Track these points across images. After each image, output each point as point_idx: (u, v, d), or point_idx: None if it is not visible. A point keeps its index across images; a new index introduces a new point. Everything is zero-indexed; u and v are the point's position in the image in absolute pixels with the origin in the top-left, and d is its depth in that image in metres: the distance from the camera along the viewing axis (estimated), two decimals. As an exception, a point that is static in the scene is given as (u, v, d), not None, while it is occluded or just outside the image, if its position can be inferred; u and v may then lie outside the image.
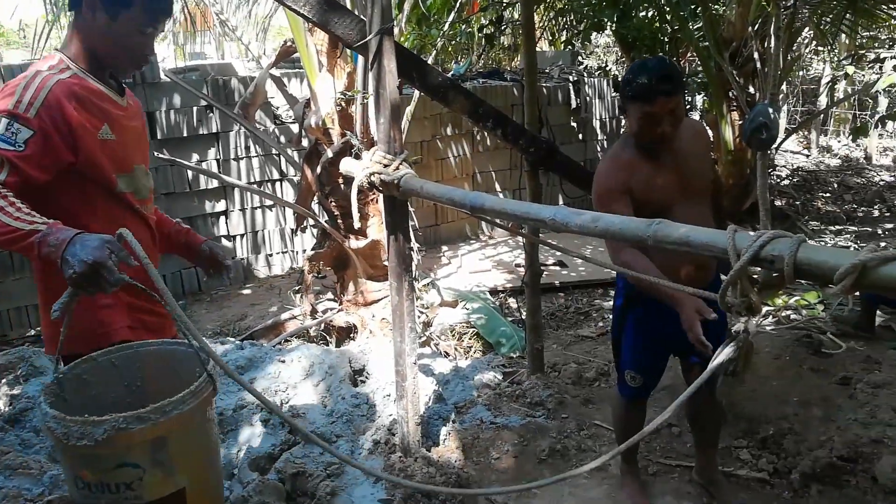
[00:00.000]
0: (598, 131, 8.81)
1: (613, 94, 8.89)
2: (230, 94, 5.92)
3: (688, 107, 10.44)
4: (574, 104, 8.36)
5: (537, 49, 3.98)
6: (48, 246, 1.47)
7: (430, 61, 5.13)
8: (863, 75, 10.65)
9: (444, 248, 7.10)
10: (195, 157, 5.88)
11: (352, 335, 4.18)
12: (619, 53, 10.68)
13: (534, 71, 3.39)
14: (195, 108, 5.82)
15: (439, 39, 6.35)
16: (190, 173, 5.82)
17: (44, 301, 1.84)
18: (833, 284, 1.29)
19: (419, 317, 4.23)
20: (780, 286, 1.45)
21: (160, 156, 4.59)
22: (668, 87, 2.16)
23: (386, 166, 2.30)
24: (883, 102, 12.03)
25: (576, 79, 8.48)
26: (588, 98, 8.52)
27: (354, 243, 4.03)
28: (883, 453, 2.73)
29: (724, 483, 2.76)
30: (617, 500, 2.74)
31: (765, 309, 4.93)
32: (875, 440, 2.81)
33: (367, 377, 3.50)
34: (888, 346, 3.99)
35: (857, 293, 4.36)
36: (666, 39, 7.29)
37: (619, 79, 8.85)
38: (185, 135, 5.81)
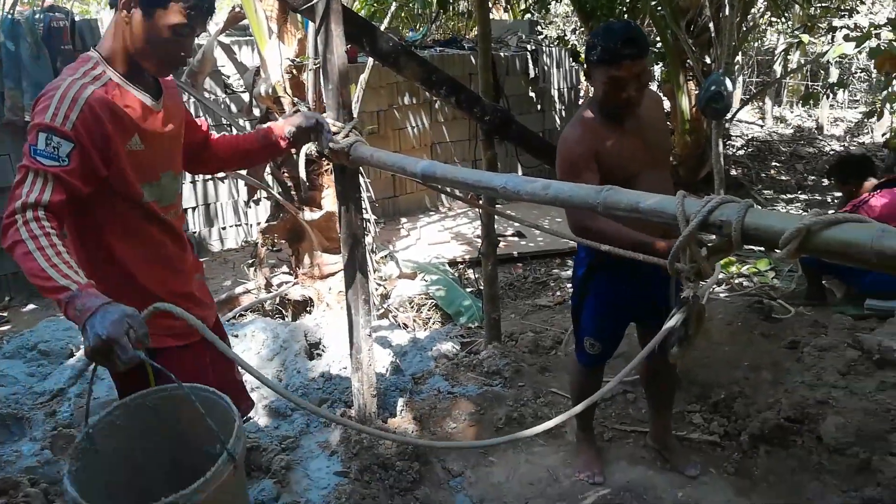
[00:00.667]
0: (557, 101, 8.80)
1: (572, 64, 8.87)
2: (178, 61, 5.70)
3: (645, 77, 10.48)
4: (532, 74, 8.31)
5: (495, 17, 3.91)
6: (74, 309, 1.42)
7: (383, 29, 5.01)
8: (816, 44, 10.82)
9: (403, 219, 7.05)
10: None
11: (308, 309, 4.12)
12: (578, 23, 10.64)
13: (488, 38, 3.34)
14: (142, 77, 5.60)
15: (393, 3, 6.22)
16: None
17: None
18: (779, 249, 1.29)
19: (377, 289, 4.19)
20: (728, 251, 1.46)
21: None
22: (634, 50, 2.12)
23: (335, 134, 2.24)
24: (834, 73, 12.27)
25: (534, 48, 8.42)
26: (546, 68, 8.48)
27: (309, 215, 3.96)
28: (828, 414, 2.81)
29: (678, 447, 2.81)
30: (573, 467, 2.77)
31: (719, 276, 5.03)
32: (820, 401, 2.89)
33: (323, 350, 3.47)
34: (833, 310, 4.11)
35: (801, 270, 4.48)
36: (624, 9, 7.27)
37: (578, 48, 8.83)
38: (131, 104, 5.59)
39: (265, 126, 2.22)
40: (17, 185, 1.53)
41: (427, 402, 3.10)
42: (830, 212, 1.30)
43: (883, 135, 9.34)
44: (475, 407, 3.10)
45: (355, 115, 3.89)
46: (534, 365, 3.51)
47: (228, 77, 6.15)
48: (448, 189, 2.16)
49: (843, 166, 4.35)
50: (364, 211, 3.95)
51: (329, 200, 3.98)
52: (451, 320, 4.32)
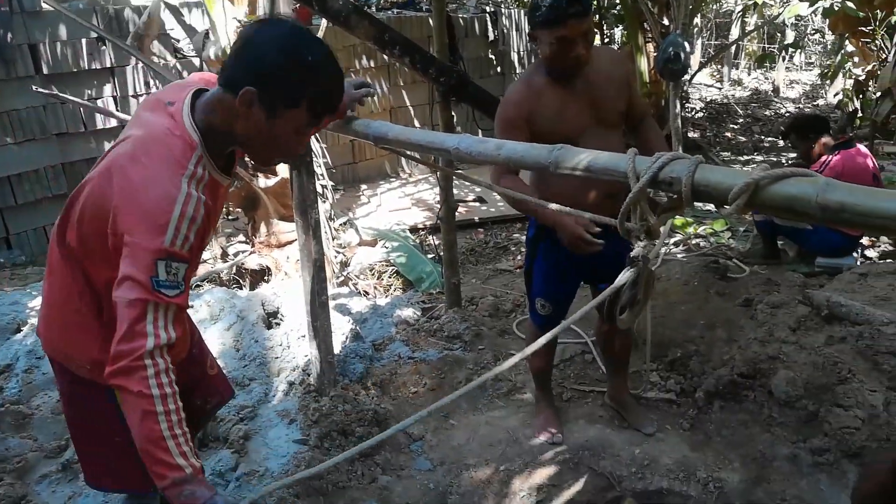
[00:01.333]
0: (517, 64, 8.73)
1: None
2: (123, 24, 5.48)
3: (606, 40, 10.46)
4: (491, 36, 8.22)
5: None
6: (180, 494, 1.31)
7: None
8: (772, 6, 10.90)
9: (363, 186, 6.97)
10: (88, 93, 5.46)
11: (266, 278, 4.06)
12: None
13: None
14: (84, 41, 5.36)
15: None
16: (84, 112, 5.41)
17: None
18: (728, 204, 1.29)
19: (336, 257, 4.14)
20: (678, 209, 1.45)
21: (41, 91, 4.18)
22: (577, 8, 2.10)
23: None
24: (790, 34, 12.40)
25: (493, 10, 8.31)
26: (505, 30, 8.39)
27: (263, 182, 3.87)
28: (778, 369, 2.88)
29: (635, 405, 2.86)
30: (532, 427, 2.80)
31: (676, 237, 5.09)
32: (772, 357, 2.95)
33: (281, 319, 3.42)
34: (786, 268, 4.20)
35: (756, 231, 4.57)
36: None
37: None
38: (74, 70, 5.36)
39: None
40: (136, 321, 1.32)
41: (388, 368, 3.10)
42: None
43: (835, 95, 9.51)
44: (436, 371, 3.10)
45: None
46: (494, 328, 3.52)
47: (178, 41, 5.93)
48: (407, 152, 2.11)
49: (800, 124, 4.39)
50: (320, 177, 3.89)
51: (284, 167, 3.89)
52: (412, 287, 4.31)
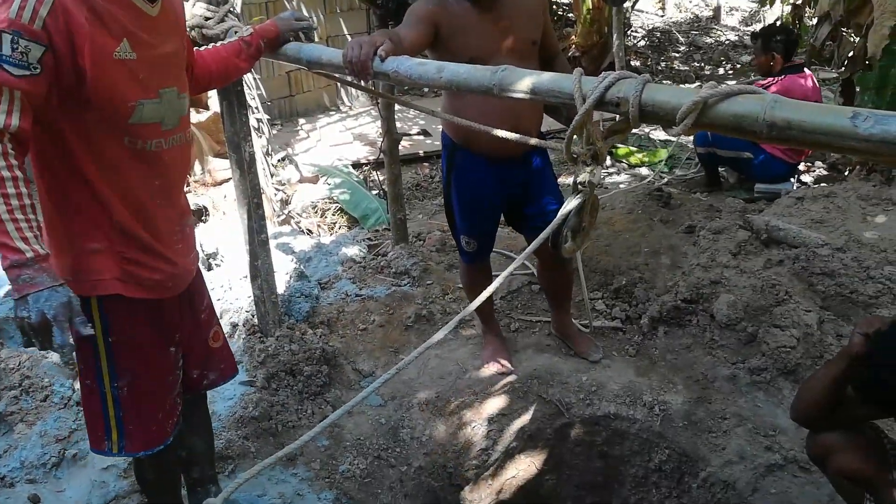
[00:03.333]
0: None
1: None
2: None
3: (548, -34, 10.20)
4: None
5: None
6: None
7: None
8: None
9: (302, 120, 6.73)
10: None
11: (203, 218, 3.91)
12: None
13: (377, -87, 3.07)
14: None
15: None
16: None
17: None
18: (676, 124, 1.25)
19: (276, 194, 4.01)
20: (625, 131, 1.41)
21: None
22: None
23: (208, 19, 2.01)
24: (731, -40, 12.35)
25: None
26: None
27: (195, 116, 3.67)
28: (720, 293, 2.94)
29: (580, 334, 2.89)
30: (481, 359, 2.81)
31: (615, 167, 5.11)
32: (714, 281, 3.01)
33: (221, 260, 3.31)
34: (727, 194, 4.28)
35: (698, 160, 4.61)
36: None
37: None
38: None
39: (248, 30, 1.94)
40: None
41: (335, 307, 3.04)
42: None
43: (776, 20, 9.56)
44: (384, 307, 3.06)
45: (238, 3, 3.57)
46: (441, 263, 3.49)
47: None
48: (346, 78, 1.98)
49: (772, 33, 4.36)
50: (255, 110, 3.72)
51: (215, 99, 3.69)
52: (357, 224, 4.23)
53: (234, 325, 2.81)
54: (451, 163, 2.46)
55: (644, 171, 5.10)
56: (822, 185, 4.33)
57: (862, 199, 3.38)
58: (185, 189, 1.79)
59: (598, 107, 1.32)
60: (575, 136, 1.39)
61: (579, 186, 1.47)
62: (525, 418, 2.65)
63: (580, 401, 2.67)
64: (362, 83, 1.81)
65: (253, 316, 2.77)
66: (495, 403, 2.66)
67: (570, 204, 1.47)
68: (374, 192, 4.54)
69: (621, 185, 4.61)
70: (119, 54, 1.41)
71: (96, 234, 1.50)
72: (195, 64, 1.79)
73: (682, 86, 7.78)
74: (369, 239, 3.88)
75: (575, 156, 1.43)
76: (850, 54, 4.33)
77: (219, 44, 1.92)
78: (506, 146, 1.95)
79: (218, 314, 2.91)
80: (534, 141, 1.63)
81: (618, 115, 1.34)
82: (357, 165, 5.21)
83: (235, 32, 1.96)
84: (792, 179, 4.37)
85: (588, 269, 3.33)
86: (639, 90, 1.27)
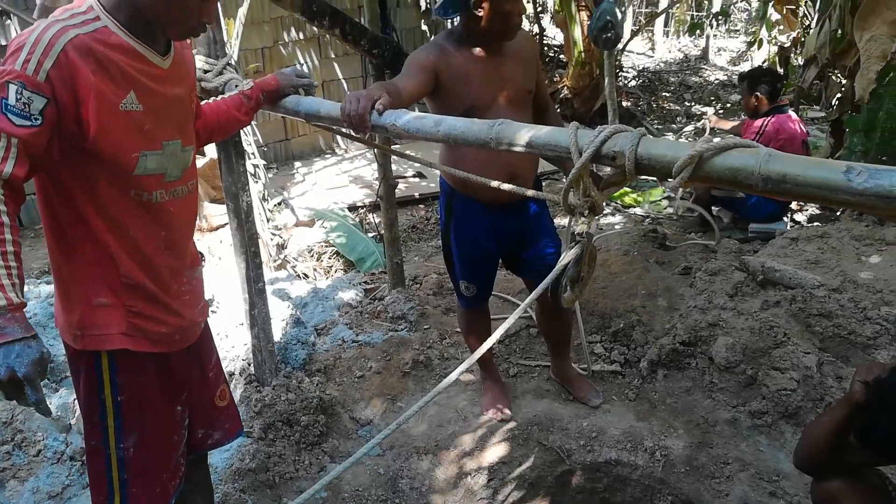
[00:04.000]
0: (452, 36, 8.61)
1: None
2: (30, -3, 5.12)
3: (539, 8, 10.42)
4: (424, 6, 8.06)
5: (378, -57, 3.69)
6: None
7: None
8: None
9: (297, 164, 6.76)
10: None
11: (200, 264, 3.90)
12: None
13: (372, -35, 3.14)
14: (-11, 16, 5.00)
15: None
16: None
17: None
18: (672, 178, 1.27)
19: (272, 239, 4.01)
20: (622, 183, 1.42)
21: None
22: None
23: (207, 72, 2.04)
24: (717, 3, 12.65)
25: (426, -21, 8.15)
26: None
27: (192, 164, 3.69)
28: (718, 335, 2.94)
29: (580, 378, 2.88)
30: (480, 405, 2.78)
31: (609, 208, 5.14)
32: (711, 324, 3.01)
33: (217, 307, 3.29)
34: (722, 235, 4.30)
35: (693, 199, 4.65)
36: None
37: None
38: (-21, 47, 4.99)
39: (248, 83, 1.96)
40: None
41: (331, 354, 3.02)
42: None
43: (763, 62, 9.75)
44: (381, 353, 3.04)
45: (234, 53, 3.62)
46: (438, 307, 3.48)
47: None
48: (342, 130, 2.01)
49: (757, 75, 4.44)
50: (251, 156, 3.74)
51: (212, 147, 3.72)
52: (353, 267, 4.22)
53: (231, 374, 2.78)
54: (449, 209, 2.47)
55: (638, 211, 5.13)
56: (815, 224, 4.36)
57: (855, 239, 3.40)
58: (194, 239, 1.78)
59: (595, 160, 1.34)
60: (572, 188, 1.41)
61: (577, 237, 1.48)
62: (526, 466, 2.61)
63: (581, 447, 2.64)
64: (360, 135, 1.82)
65: (249, 364, 2.75)
66: (496, 451, 2.62)
67: (569, 255, 1.48)
68: (371, 235, 4.54)
69: (616, 227, 4.63)
70: (125, 106, 1.41)
71: (103, 286, 1.49)
72: (199, 117, 1.80)
73: (668, 135, 7.88)
74: (366, 282, 3.87)
75: (572, 207, 1.44)
76: (838, 95, 4.40)
77: (219, 97, 1.94)
78: (504, 192, 1.97)
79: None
80: (530, 192, 1.65)
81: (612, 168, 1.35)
82: (353, 208, 5.23)
83: (236, 86, 1.98)
84: (785, 219, 4.40)
85: (586, 311, 3.32)
86: (634, 144, 1.28)
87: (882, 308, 2.92)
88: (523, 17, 2.22)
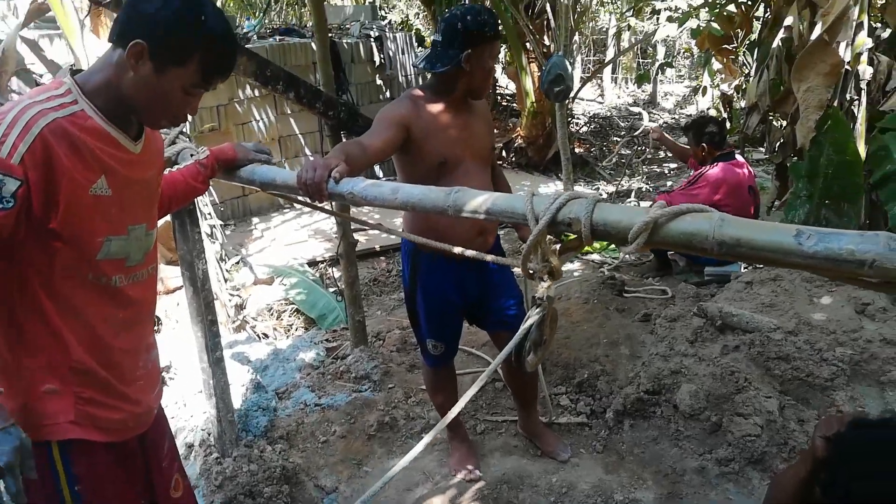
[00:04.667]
0: (405, 88, 8.73)
1: (418, 49, 8.84)
2: (-24, 61, 5.02)
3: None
4: (378, 61, 8.19)
5: (335, 3, 3.75)
6: None
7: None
8: (643, 26, 11.51)
9: (255, 219, 6.70)
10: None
11: (156, 328, 3.79)
12: (420, 6, 10.63)
13: (324, 28, 3.18)
14: (-67, 81, 4.88)
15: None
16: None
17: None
18: (628, 244, 1.28)
19: (230, 300, 3.93)
20: (579, 248, 1.43)
21: None
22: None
23: (158, 143, 2.01)
24: (661, 51, 13.18)
25: (377, 34, 8.29)
26: (392, 54, 8.38)
27: (146, 227, 3.62)
28: (681, 382, 2.96)
29: (547, 432, 2.86)
30: (448, 466, 2.73)
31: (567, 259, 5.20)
32: (674, 371, 3.03)
33: (175, 374, 3.19)
34: (677, 279, 4.37)
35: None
36: (465, -7, 7.32)
37: (423, 32, 8.79)
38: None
39: (203, 151, 1.93)
40: None
41: (293, 419, 2.94)
42: (669, 183, 1.31)
43: (708, 108, 10.12)
44: (345, 416, 2.97)
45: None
46: (402, 364, 3.44)
47: (41, 76, 5.51)
48: (299, 198, 1.98)
49: (701, 124, 4.56)
50: (208, 216, 3.69)
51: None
52: (314, 325, 4.15)
53: (190, 446, 2.68)
54: (414, 267, 2.45)
55: (595, 257, 5.20)
56: (768, 266, 4.47)
57: (806, 280, 3.49)
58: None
59: (551, 227, 1.35)
60: (531, 254, 1.42)
61: (538, 301, 1.48)
62: (497, 526, 2.56)
63: (552, 504, 2.61)
64: (317, 203, 1.81)
65: (209, 435, 2.65)
66: (466, 512, 2.57)
67: (530, 319, 1.48)
68: (332, 291, 4.49)
69: (575, 273, 4.68)
70: (95, 190, 1.38)
71: (50, 373, 1.41)
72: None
73: (622, 179, 8.07)
74: (327, 340, 3.81)
75: (532, 272, 1.45)
76: (780, 140, 4.57)
77: (174, 168, 1.91)
78: (470, 247, 1.98)
79: (173, 432, 2.80)
80: (490, 258, 1.65)
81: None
82: (313, 263, 5.18)
83: (191, 155, 1.96)
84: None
85: (549, 362, 3.32)
86: (590, 211, 1.30)
87: (837, 349, 2.98)
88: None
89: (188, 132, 2.13)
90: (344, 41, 7.79)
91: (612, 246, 5.20)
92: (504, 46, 8.12)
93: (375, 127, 2.17)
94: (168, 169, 1.90)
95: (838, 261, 1.06)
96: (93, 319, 1.44)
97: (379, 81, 8.28)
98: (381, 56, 8.19)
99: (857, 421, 1.57)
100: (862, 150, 3.72)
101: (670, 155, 9.22)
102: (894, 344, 3.00)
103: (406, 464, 1.52)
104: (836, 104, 3.83)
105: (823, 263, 1.08)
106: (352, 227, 3.40)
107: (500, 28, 2.27)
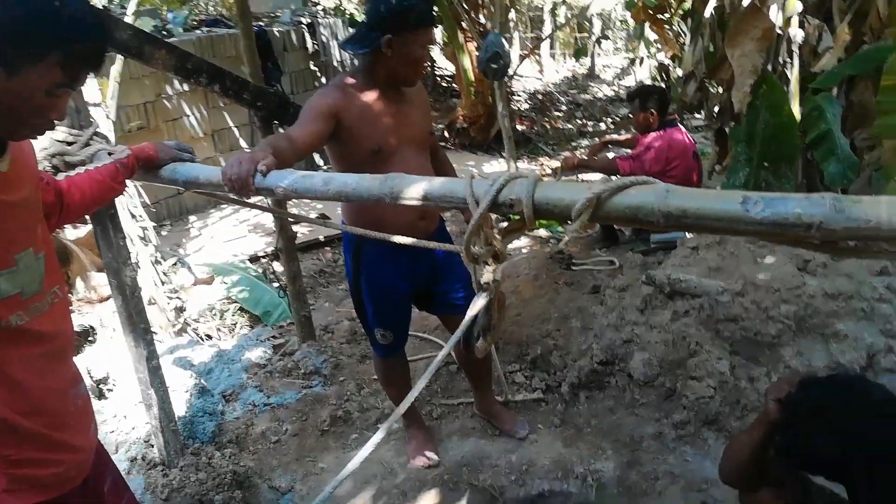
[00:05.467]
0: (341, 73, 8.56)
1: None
2: None
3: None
4: (311, 48, 7.98)
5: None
6: None
7: (136, 13, 4.45)
8: (579, 1, 11.54)
9: (192, 217, 6.45)
10: None
11: (90, 339, 3.61)
12: (352, -10, 10.41)
13: (247, 16, 3.04)
14: None
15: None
16: None
17: None
18: (572, 221, 1.24)
19: (169, 303, 3.77)
20: (522, 229, 1.38)
21: None
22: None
23: (70, 144, 1.87)
24: (597, 24, 13.25)
25: (310, 21, 8.07)
26: (325, 40, 8.18)
27: (72, 233, 3.43)
28: (634, 351, 2.97)
29: (504, 411, 2.83)
30: (406, 454, 2.68)
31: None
32: (626, 340, 3.04)
33: (113, 385, 3.04)
34: (625, 248, 4.40)
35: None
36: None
37: (356, 17, 8.60)
38: None
39: (123, 150, 1.77)
40: None
41: (242, 421, 2.84)
42: (610, 154, 1.27)
43: (646, 79, 10.23)
44: (296, 414, 2.89)
45: (112, 113, 3.41)
46: (353, 356, 3.36)
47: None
48: (230, 195, 1.86)
49: (646, 93, 4.55)
50: (139, 218, 3.52)
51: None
52: (260, 322, 4.02)
53: (133, 460, 2.56)
54: (357, 257, 2.37)
55: (542, 232, 5.19)
56: (710, 229, 4.52)
57: (750, 242, 3.53)
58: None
59: (493, 210, 1.29)
60: (474, 238, 1.36)
61: (483, 286, 1.43)
62: (459, 511, 2.52)
63: (513, 482, 2.58)
64: (245, 199, 1.71)
65: (152, 446, 2.53)
66: (428, 500, 2.52)
67: (477, 305, 1.43)
68: (276, 286, 4.35)
69: (523, 250, 4.66)
70: None
71: None
72: (66, 193, 1.58)
73: (565, 153, 8.09)
74: (274, 337, 3.69)
75: (475, 257, 1.39)
76: (718, 107, 4.63)
77: (91, 167, 1.76)
78: (412, 232, 1.91)
79: (114, 448, 2.67)
80: (432, 245, 1.58)
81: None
82: (255, 259, 5.02)
83: (109, 154, 1.81)
84: (682, 227, 4.55)
85: (502, 341, 3.30)
86: (531, 191, 1.25)
87: (782, 306, 3.02)
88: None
89: (101, 132, 1.98)
90: (275, 29, 7.54)
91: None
92: (440, 26, 8.00)
93: (303, 117, 2.05)
94: (85, 168, 1.76)
95: (786, 225, 1.04)
96: (6, 368, 1.27)
97: (314, 68, 8.08)
98: (315, 43, 7.98)
99: (806, 381, 1.58)
100: (797, 111, 3.79)
101: (612, 127, 9.31)
102: (835, 297, 3.06)
103: (363, 457, 1.45)
104: (769, 69, 3.88)
105: (772, 229, 1.06)
106: (291, 221, 3.29)
107: (432, 15, 2.13)
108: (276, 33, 7.44)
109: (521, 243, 5.02)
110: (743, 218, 1.06)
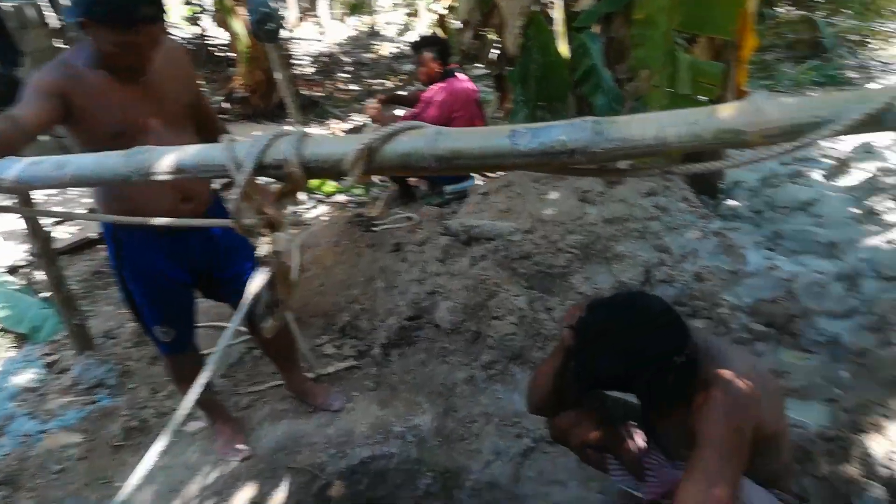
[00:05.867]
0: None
1: None
2: None
3: (200, 9, 9.72)
4: (57, 23, 6.99)
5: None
6: None
7: None
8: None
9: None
10: None
11: None
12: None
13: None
14: None
15: None
16: None
17: None
18: (346, 175, 1.15)
19: None
20: (295, 191, 1.26)
21: None
22: (152, 10, 1.74)
23: None
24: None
25: (44, -12, 7.05)
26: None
27: None
28: (438, 301, 3.00)
29: (315, 387, 2.73)
30: (214, 451, 2.49)
31: (312, 201, 5.01)
32: (430, 292, 3.06)
33: None
34: (423, 202, 4.43)
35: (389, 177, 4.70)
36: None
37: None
38: None
39: None
40: None
41: (14, 457, 2.45)
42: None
43: (428, 29, 10.29)
44: (81, 434, 2.55)
45: None
46: (142, 359, 3.03)
47: None
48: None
49: (429, 43, 4.51)
50: None
51: None
52: (28, 341, 3.49)
53: None
54: (117, 249, 2.09)
55: (341, 198, 5.08)
56: (499, 174, 4.70)
57: (535, 181, 3.71)
58: None
59: (259, 173, 1.16)
60: (241, 208, 1.22)
61: (262, 260, 1.30)
62: (281, 497, 2.39)
63: (333, 456, 2.49)
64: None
65: None
66: (244, 494, 2.37)
67: (257, 281, 1.29)
68: (44, 296, 3.79)
69: (322, 218, 4.52)
70: None
71: None
72: None
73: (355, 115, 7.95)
74: (46, 354, 3.22)
75: (248, 229, 1.25)
76: (495, 53, 4.77)
77: None
78: (176, 214, 1.70)
79: None
80: (197, 222, 1.41)
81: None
82: (13, 270, 4.34)
83: None
84: (473, 175, 4.67)
85: (307, 314, 3.17)
86: (297, 147, 1.13)
87: (567, 237, 3.21)
88: (161, 39, 1.86)
89: None
90: (7, 4, 6.47)
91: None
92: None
93: (26, 96, 1.71)
94: None
95: (553, 154, 1.04)
96: None
97: (65, 46, 7.09)
98: (60, 18, 6.99)
99: (592, 304, 1.65)
100: (565, 50, 3.98)
101: (400, 83, 9.31)
102: (612, 222, 3.32)
103: (145, 471, 1.28)
104: (537, 10, 4.02)
105: (541, 159, 1.06)
106: (54, 220, 2.85)
107: (129, 16, 1.71)
108: (9, 8, 6.40)
109: (320, 211, 4.87)
110: (512, 151, 1.05)
